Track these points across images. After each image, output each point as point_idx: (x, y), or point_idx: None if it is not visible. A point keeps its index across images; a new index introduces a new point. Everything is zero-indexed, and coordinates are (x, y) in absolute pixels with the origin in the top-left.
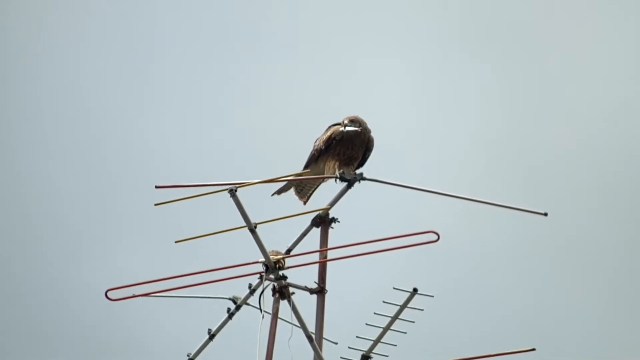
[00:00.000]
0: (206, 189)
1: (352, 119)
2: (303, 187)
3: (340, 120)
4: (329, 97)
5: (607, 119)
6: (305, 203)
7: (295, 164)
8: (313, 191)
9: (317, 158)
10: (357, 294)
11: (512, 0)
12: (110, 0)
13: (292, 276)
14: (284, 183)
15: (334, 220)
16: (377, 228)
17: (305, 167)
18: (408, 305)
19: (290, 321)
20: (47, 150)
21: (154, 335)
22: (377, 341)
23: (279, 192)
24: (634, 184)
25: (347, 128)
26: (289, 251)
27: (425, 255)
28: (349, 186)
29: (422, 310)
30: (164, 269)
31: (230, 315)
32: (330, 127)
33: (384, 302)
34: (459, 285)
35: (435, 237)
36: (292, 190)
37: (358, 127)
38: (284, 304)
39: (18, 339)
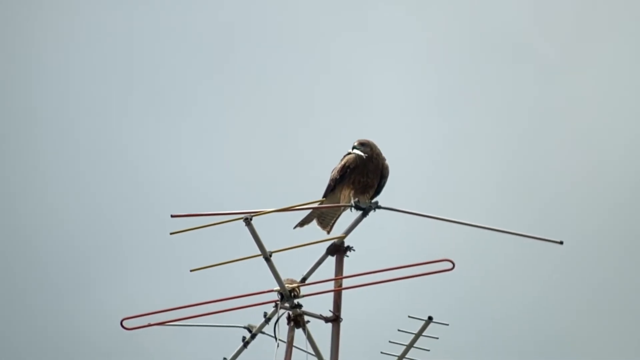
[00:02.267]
0: (221, 217)
1: (362, 142)
2: (325, 217)
3: (352, 151)
4: (345, 126)
5: (624, 145)
6: (328, 232)
7: (311, 193)
8: (335, 220)
9: (333, 188)
10: (372, 323)
11: (534, 29)
12: (128, 25)
13: (307, 305)
14: (306, 215)
15: (349, 248)
16: (392, 256)
17: (324, 197)
18: (423, 334)
19: (305, 350)
20: (63, 178)
21: None
22: None
23: (302, 224)
24: None
25: (356, 150)
26: (304, 280)
27: (440, 283)
28: (364, 214)
29: (437, 338)
30: (179, 297)
31: (246, 343)
32: (345, 156)
33: (399, 330)
34: (474, 313)
35: (450, 265)
36: (314, 222)
37: (368, 150)
38: (299, 332)
39: None
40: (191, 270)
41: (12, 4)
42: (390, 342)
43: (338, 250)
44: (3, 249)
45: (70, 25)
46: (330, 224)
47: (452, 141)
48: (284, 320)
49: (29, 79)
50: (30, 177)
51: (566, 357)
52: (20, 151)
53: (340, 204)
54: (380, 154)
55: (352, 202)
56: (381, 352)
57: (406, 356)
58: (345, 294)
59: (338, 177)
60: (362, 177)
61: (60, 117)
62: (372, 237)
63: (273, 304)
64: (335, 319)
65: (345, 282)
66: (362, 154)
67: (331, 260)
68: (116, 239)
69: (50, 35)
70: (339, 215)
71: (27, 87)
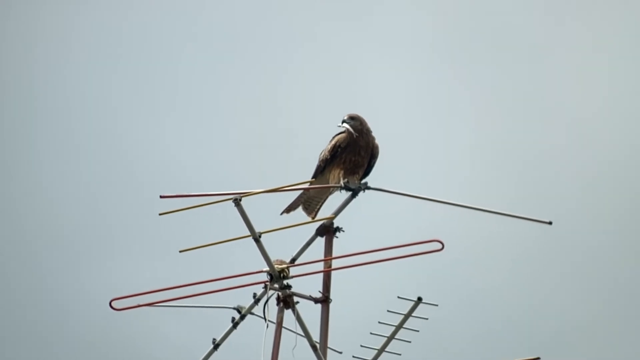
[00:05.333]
0: (210, 198)
1: (352, 116)
2: (310, 202)
3: (341, 124)
4: (333, 107)
5: (613, 125)
6: (313, 218)
7: (300, 174)
8: (320, 206)
9: (323, 169)
10: (361, 303)
11: (515, 6)
12: (116, 10)
13: (297, 285)
14: (293, 201)
15: (338, 229)
16: (381, 237)
17: (313, 178)
18: (412, 314)
19: (294, 330)
20: (51, 159)
21: (158, 345)
22: (382, 350)
23: (288, 210)
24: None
25: (345, 124)
26: (293, 260)
27: (429, 264)
28: (354, 195)
29: (427, 319)
30: (168, 278)
31: (235, 324)
32: (335, 136)
33: (388, 311)
34: (463, 294)
35: (439, 246)
36: (300, 208)
37: (358, 124)
38: (288, 313)
39: (20, 348)
40: (180, 251)
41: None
42: (379, 322)
43: (327, 231)
44: None
45: (60, 13)
46: (316, 210)
47: (441, 122)
48: (273, 301)
49: (21, 62)
50: (19, 160)
51: (556, 336)
52: (9, 134)
53: (330, 185)
54: (370, 130)
55: (342, 182)
56: (370, 333)
57: (396, 337)
58: (334, 274)
59: (329, 156)
60: (353, 155)
61: (48, 100)
62: (362, 218)
63: (262, 284)
64: (324, 300)
65: (335, 263)
66: (351, 129)
67: (320, 241)
68: (105, 219)
69: (41, 23)
70: (325, 200)
71: (19, 70)
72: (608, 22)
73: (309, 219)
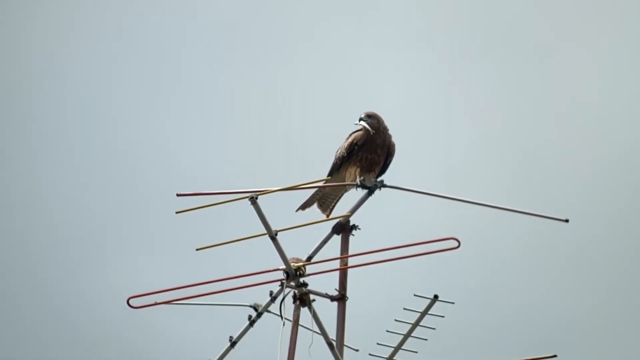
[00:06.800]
0: (227, 196)
1: (369, 114)
2: (325, 199)
3: (358, 122)
4: (347, 106)
5: (629, 123)
6: (328, 216)
7: (317, 172)
8: (335, 203)
9: (339, 167)
10: (377, 301)
11: (517, 5)
12: (129, 9)
13: (313, 283)
14: (308, 198)
15: (354, 227)
16: (397, 235)
17: (329, 176)
18: (429, 312)
19: (311, 328)
20: (69, 158)
21: (176, 342)
22: (398, 348)
23: (303, 207)
24: None
25: (362, 122)
26: (309, 258)
27: (446, 262)
28: (370, 193)
29: (443, 317)
30: (185, 276)
31: (252, 322)
32: (351, 134)
33: (404, 309)
34: (479, 291)
35: (456, 243)
36: (315, 205)
37: (375, 122)
38: (304, 311)
39: (37, 345)
40: (197, 249)
41: None
42: (396, 320)
43: (343, 229)
44: (9, 229)
45: (62, 13)
46: (331, 207)
47: (457, 119)
48: (289, 299)
49: (23, 61)
50: (35, 159)
51: (571, 334)
52: (29, 129)
53: (346, 183)
54: (387, 128)
55: (358, 180)
56: (387, 331)
57: (412, 335)
58: (350, 272)
59: (345, 154)
60: (369, 153)
61: (67, 95)
62: (378, 216)
63: (279, 282)
64: (341, 298)
65: (351, 261)
66: (368, 127)
67: (337, 239)
68: (122, 218)
69: (42, 19)
70: (340, 198)
71: (23, 70)
72: (608, 20)
73: (324, 217)
